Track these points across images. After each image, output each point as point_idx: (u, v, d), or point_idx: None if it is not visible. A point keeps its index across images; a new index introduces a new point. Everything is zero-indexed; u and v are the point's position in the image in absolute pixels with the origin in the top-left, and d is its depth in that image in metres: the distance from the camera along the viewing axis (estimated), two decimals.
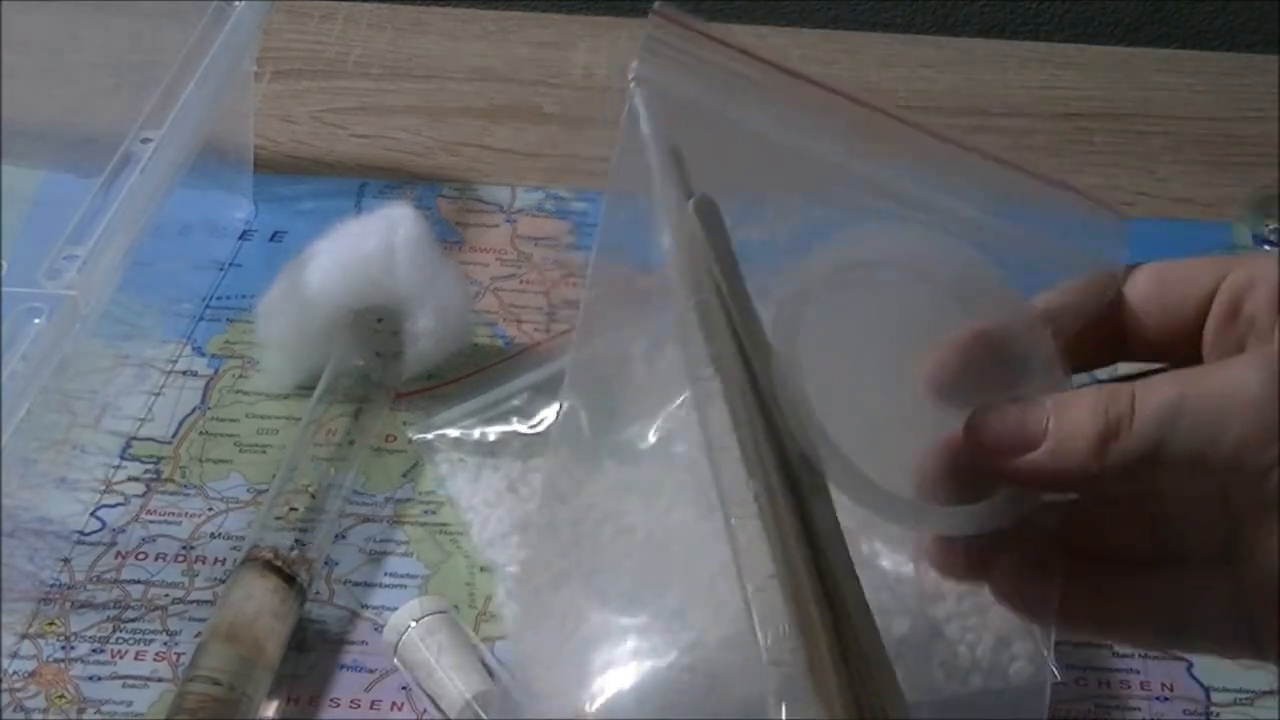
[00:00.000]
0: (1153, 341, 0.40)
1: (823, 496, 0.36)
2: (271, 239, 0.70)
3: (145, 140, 0.56)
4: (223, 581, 0.55)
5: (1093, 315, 0.39)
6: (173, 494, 0.59)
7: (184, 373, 0.64)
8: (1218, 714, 0.53)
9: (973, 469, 0.37)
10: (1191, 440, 0.34)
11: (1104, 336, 0.40)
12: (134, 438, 0.61)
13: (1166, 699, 0.53)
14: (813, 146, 0.38)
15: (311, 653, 0.54)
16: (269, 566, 0.53)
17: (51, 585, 0.56)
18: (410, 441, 0.60)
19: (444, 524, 0.58)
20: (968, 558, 0.38)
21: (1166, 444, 0.34)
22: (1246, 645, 0.38)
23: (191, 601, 0.56)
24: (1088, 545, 0.39)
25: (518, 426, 0.60)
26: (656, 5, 0.38)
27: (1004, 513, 0.37)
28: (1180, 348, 0.39)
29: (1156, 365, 0.40)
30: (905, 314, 0.39)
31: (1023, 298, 0.39)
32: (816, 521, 0.35)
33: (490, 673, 0.52)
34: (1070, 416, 0.35)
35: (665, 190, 0.38)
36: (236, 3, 0.62)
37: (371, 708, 0.53)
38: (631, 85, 0.38)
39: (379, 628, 0.54)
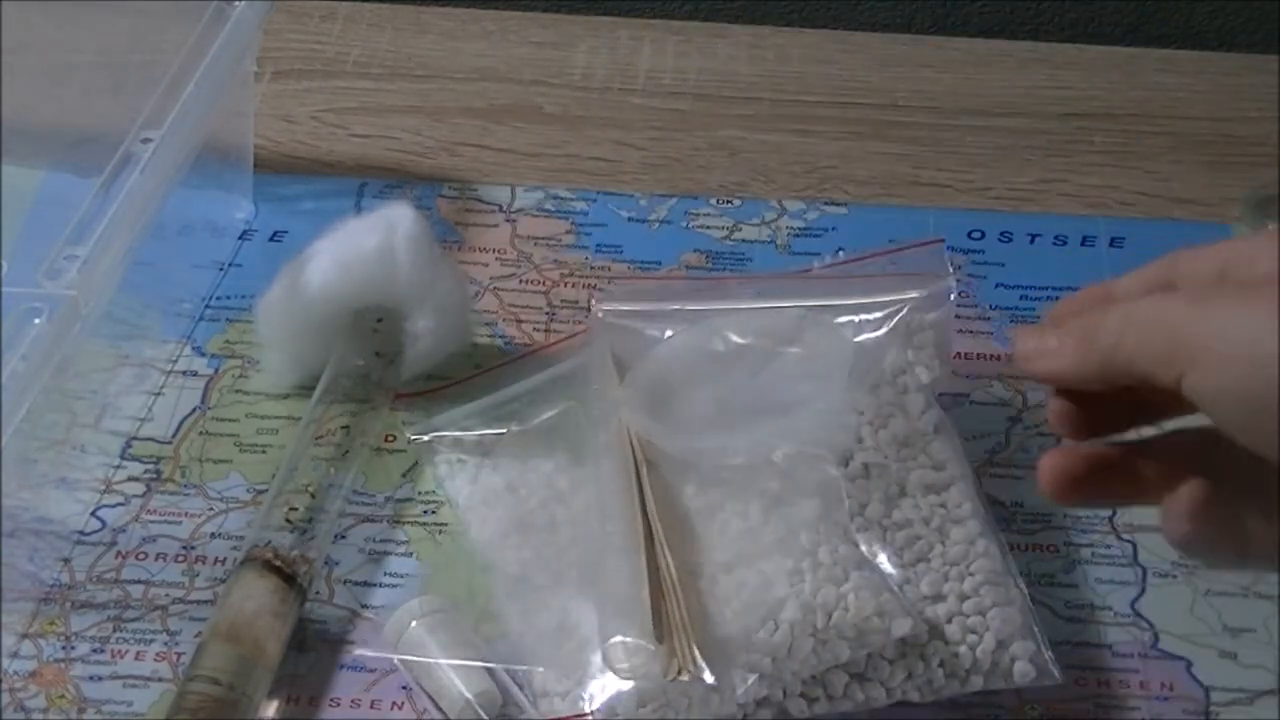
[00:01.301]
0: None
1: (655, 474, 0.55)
2: (271, 239, 0.70)
3: (145, 140, 0.56)
4: (223, 581, 0.55)
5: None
6: (173, 494, 0.59)
7: (184, 373, 0.64)
8: (1217, 714, 0.53)
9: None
10: (1131, 354, 0.40)
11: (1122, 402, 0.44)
12: (134, 438, 0.61)
13: (1166, 699, 0.53)
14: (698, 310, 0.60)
15: (311, 653, 0.54)
16: (269, 566, 0.53)
17: (51, 585, 0.56)
18: (410, 441, 0.60)
19: (444, 524, 0.58)
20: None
21: (1116, 354, 0.41)
22: None
23: (191, 601, 0.56)
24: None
25: (517, 427, 0.60)
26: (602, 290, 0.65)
27: None
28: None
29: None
30: (739, 358, 0.57)
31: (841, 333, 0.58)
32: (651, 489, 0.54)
33: (490, 673, 0.52)
34: (1068, 329, 0.43)
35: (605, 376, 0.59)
36: (236, 3, 0.62)
37: (371, 707, 0.53)
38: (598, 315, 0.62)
39: (379, 628, 0.54)
